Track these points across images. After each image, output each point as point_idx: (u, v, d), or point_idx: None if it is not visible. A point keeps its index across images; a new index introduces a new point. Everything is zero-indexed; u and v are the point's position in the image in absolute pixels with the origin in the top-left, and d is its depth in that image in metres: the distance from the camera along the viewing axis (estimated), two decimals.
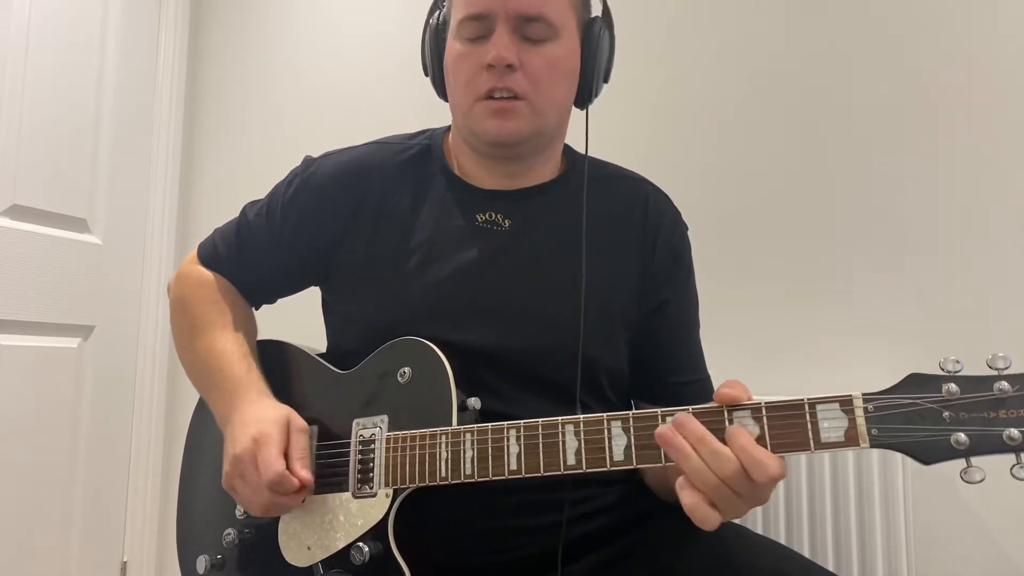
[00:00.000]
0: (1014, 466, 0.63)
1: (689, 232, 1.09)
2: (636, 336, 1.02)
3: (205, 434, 1.09)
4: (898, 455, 1.29)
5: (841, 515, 1.31)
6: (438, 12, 1.01)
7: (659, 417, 0.74)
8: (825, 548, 1.32)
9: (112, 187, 2.17)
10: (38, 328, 1.97)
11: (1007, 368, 0.64)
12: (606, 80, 1.03)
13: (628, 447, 0.75)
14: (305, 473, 0.88)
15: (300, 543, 0.92)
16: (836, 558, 1.31)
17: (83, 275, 2.09)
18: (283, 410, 0.93)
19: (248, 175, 2.26)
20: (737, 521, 1.37)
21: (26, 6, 1.95)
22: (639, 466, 0.74)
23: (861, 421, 0.67)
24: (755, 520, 1.39)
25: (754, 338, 1.55)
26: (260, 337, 1.12)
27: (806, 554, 1.32)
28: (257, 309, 1.16)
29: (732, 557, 0.81)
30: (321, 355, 1.06)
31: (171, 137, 2.32)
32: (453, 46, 0.97)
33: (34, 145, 1.96)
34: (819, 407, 0.68)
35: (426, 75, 1.05)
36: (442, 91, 1.03)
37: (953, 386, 0.65)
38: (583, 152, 1.06)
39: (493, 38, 0.93)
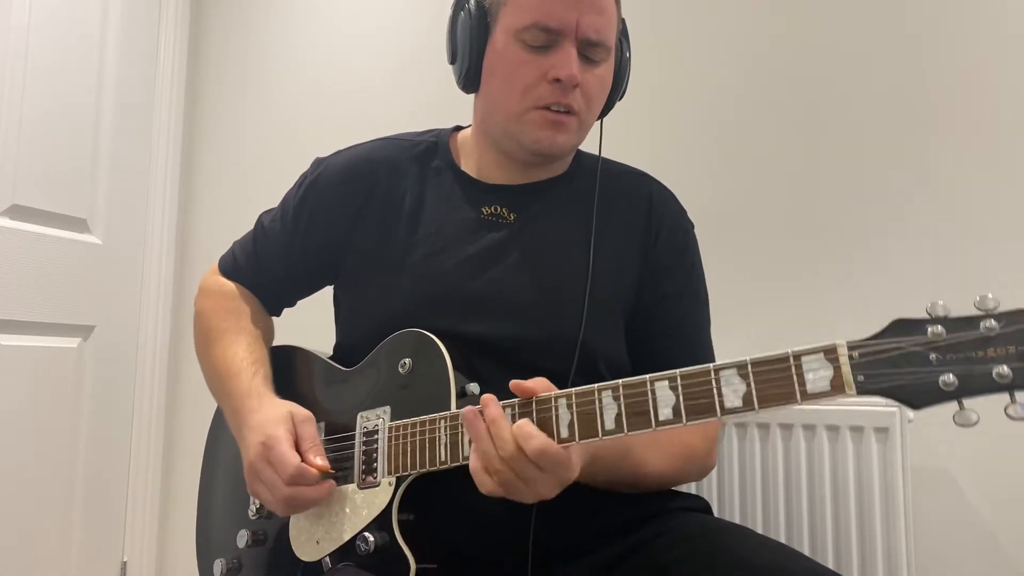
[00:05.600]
0: (1008, 406, 0.60)
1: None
2: (637, 329, 1.02)
3: (220, 442, 1.11)
4: (897, 453, 1.29)
5: (841, 514, 1.31)
6: (474, 1, 0.98)
7: (647, 383, 0.74)
8: (825, 547, 1.32)
9: (112, 187, 2.17)
10: (38, 328, 1.97)
11: (996, 308, 0.62)
12: (622, 96, 1.06)
13: (619, 415, 0.75)
14: (320, 460, 0.89)
15: (310, 537, 0.93)
16: (836, 557, 1.31)
17: (83, 275, 2.09)
18: (284, 407, 0.94)
19: (248, 175, 2.27)
20: (738, 521, 1.39)
21: (26, 6, 1.95)
22: (630, 432, 0.74)
23: (846, 369, 0.65)
24: (755, 519, 1.39)
25: (757, 333, 1.55)
26: (277, 341, 1.14)
27: (806, 552, 1.33)
28: (278, 315, 1.18)
29: (731, 555, 0.81)
30: (329, 355, 1.08)
31: (171, 137, 2.32)
32: (511, 49, 0.95)
33: (34, 145, 1.96)
34: (804, 358, 0.67)
35: (451, 63, 1.03)
36: (472, 84, 1.02)
37: (939, 328, 0.63)
38: (588, 153, 1.09)
39: (561, 54, 0.93)
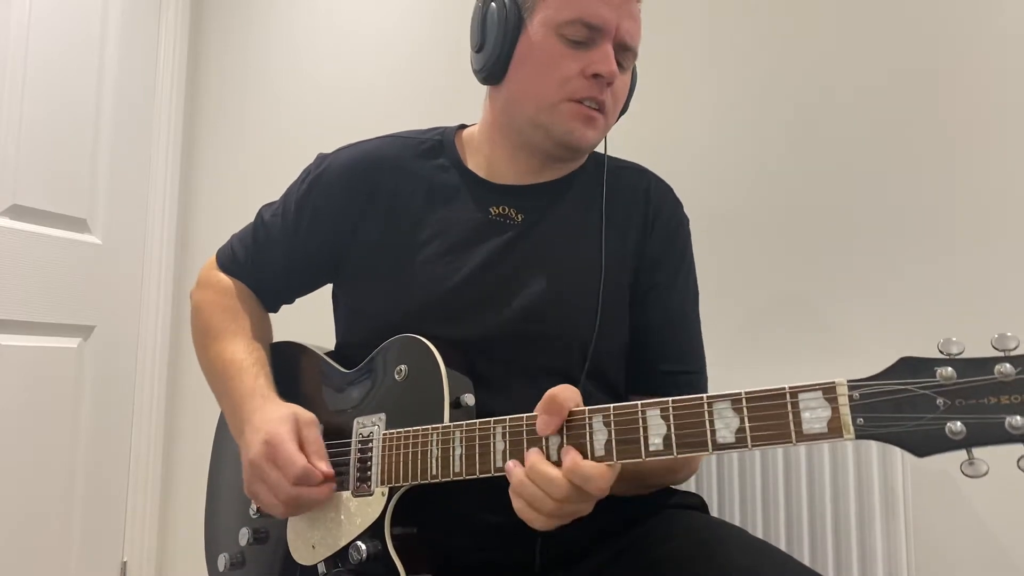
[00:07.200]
0: (1021, 459, 0.55)
1: (691, 225, 1.09)
2: (632, 321, 1.02)
3: (226, 439, 1.11)
4: (898, 454, 1.29)
5: (841, 515, 1.31)
6: None
7: (639, 410, 0.72)
8: (825, 548, 1.32)
9: (112, 187, 2.17)
10: (38, 328, 1.97)
11: (1015, 349, 0.56)
12: (625, 110, 1.08)
13: (609, 442, 0.73)
14: (324, 465, 0.89)
15: (306, 541, 0.93)
16: (836, 558, 1.31)
17: (83, 275, 2.09)
18: (288, 408, 0.93)
19: (248, 174, 2.26)
20: (737, 521, 1.38)
21: (26, 6, 1.95)
22: (619, 461, 0.72)
23: (845, 410, 0.61)
24: (755, 520, 1.39)
25: (762, 337, 1.55)
26: (277, 338, 1.13)
27: (805, 554, 1.33)
28: (276, 311, 1.17)
29: (710, 556, 0.80)
30: (330, 352, 1.07)
31: (171, 137, 2.32)
32: (549, 41, 0.96)
33: (34, 145, 1.96)
34: (801, 395, 0.63)
35: (476, 51, 1.03)
36: (497, 74, 1.01)
37: (949, 370, 0.58)
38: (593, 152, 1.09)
39: (600, 52, 0.96)
